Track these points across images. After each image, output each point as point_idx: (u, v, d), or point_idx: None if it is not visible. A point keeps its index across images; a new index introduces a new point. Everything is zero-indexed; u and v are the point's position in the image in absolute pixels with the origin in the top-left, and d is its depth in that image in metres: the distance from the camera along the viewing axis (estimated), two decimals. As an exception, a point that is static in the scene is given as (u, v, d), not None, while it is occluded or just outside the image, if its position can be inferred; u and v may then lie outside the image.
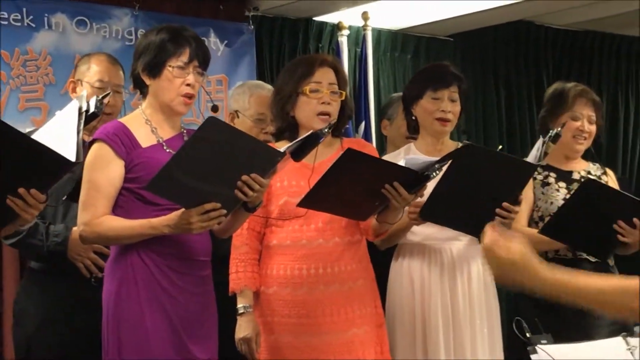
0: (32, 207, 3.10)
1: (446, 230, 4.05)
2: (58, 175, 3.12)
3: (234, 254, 3.89)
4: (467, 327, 4.12)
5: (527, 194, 4.38)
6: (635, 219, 4.08)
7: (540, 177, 4.49)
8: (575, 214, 4.13)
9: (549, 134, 4.09)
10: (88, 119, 3.29)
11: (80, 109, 3.20)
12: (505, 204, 3.85)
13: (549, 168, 4.52)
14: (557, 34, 8.36)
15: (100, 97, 3.44)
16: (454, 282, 4.14)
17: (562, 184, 4.49)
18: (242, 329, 3.83)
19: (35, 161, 3.01)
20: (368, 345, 3.86)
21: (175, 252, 3.45)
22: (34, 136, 3.10)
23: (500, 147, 3.94)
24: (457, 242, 4.17)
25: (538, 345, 2.73)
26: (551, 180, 4.50)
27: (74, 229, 3.99)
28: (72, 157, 3.00)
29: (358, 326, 3.84)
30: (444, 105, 4.17)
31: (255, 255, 3.90)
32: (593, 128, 4.54)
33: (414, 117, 4.26)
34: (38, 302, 4.08)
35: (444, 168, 3.65)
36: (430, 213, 3.86)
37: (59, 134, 3.09)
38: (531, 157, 4.04)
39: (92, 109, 3.32)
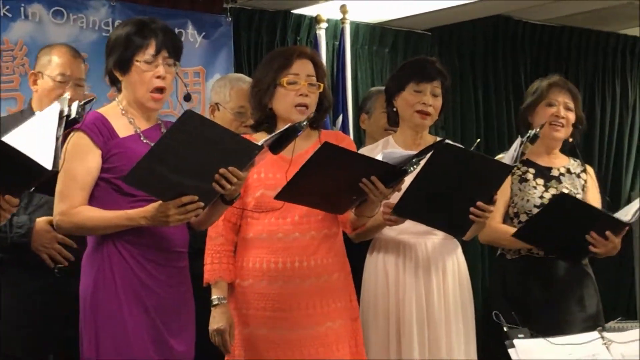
0: (5, 211, 3.08)
1: (422, 224, 4.04)
2: (33, 182, 3.10)
3: (209, 245, 3.87)
4: (442, 324, 4.13)
5: (505, 189, 4.37)
6: (608, 232, 4.11)
7: (519, 172, 4.48)
8: (549, 223, 4.16)
9: (527, 135, 4.07)
10: (68, 124, 3.25)
11: (61, 112, 3.15)
12: (479, 204, 3.85)
13: (528, 163, 4.52)
14: (534, 29, 8.37)
15: (83, 102, 3.40)
16: (429, 277, 4.14)
17: (540, 181, 4.49)
18: (216, 321, 3.81)
19: (11, 167, 2.97)
20: (342, 339, 3.85)
21: (152, 243, 3.44)
22: (11, 135, 3.05)
23: (478, 140, 3.93)
24: (432, 237, 4.18)
25: (515, 340, 2.73)
26: (529, 176, 4.50)
27: (38, 219, 3.97)
28: (48, 165, 2.97)
29: (333, 320, 3.83)
30: (425, 99, 4.18)
31: (231, 247, 3.88)
32: (571, 115, 4.53)
33: (394, 109, 4.26)
34: (2, 294, 4.05)
35: (422, 162, 3.65)
36: (404, 210, 3.85)
37: (37, 137, 3.04)
38: (508, 157, 4.02)
39: (73, 115, 3.28)
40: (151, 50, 3.47)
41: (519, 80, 8.27)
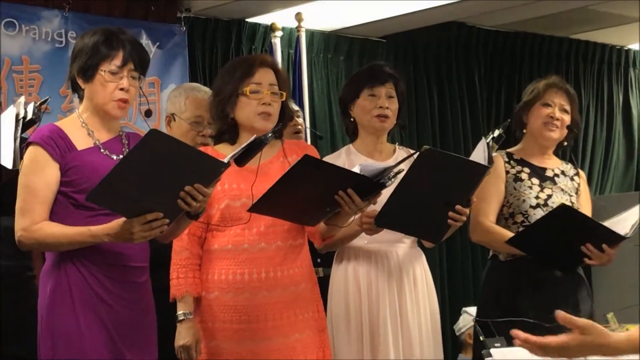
0: None
1: (392, 232, 4.01)
2: None
3: (174, 260, 3.81)
4: (416, 330, 4.12)
5: (499, 187, 4.35)
6: (604, 245, 4.12)
7: (513, 170, 4.44)
8: (545, 233, 4.15)
9: (491, 135, 4.06)
10: (26, 125, 3.22)
11: (17, 115, 3.13)
12: (458, 207, 3.82)
13: (522, 162, 4.48)
14: (488, 35, 8.43)
15: (39, 103, 3.36)
16: (401, 285, 4.13)
17: (536, 181, 4.44)
18: (182, 337, 3.75)
19: None
20: (310, 351, 3.81)
21: (110, 258, 3.40)
22: None
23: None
24: (402, 245, 4.16)
25: (492, 349, 2.73)
26: (524, 176, 4.45)
27: None
28: (8, 165, 2.95)
29: (300, 331, 3.79)
30: (381, 102, 4.16)
31: (197, 261, 3.82)
32: (566, 117, 4.47)
33: (352, 119, 4.25)
34: None
35: (399, 176, 3.62)
36: (385, 220, 3.83)
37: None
38: (477, 159, 4.00)
39: (29, 116, 3.25)
40: (117, 61, 3.42)
41: (473, 85, 8.32)
